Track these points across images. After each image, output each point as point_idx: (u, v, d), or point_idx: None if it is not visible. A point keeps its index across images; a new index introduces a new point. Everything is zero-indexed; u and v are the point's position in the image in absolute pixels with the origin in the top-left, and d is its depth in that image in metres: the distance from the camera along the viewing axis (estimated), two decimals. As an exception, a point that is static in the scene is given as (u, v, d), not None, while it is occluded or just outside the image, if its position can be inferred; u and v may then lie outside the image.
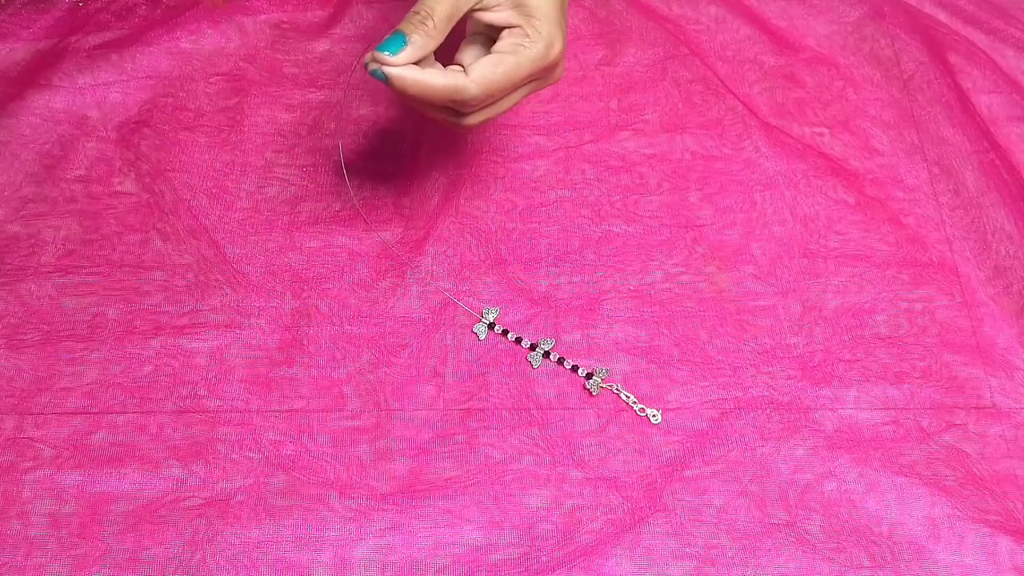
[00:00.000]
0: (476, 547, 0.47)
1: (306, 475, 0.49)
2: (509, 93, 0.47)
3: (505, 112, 0.49)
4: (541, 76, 0.48)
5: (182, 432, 0.50)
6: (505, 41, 0.46)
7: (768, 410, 0.51)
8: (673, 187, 0.58)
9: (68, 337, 0.52)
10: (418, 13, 0.45)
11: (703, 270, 0.55)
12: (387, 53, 0.44)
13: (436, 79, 0.45)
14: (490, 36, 0.48)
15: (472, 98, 0.45)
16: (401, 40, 0.44)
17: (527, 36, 0.46)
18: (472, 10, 0.46)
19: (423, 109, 0.47)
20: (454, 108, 0.47)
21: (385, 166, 0.59)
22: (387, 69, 0.44)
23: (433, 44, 0.45)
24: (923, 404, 0.51)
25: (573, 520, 0.48)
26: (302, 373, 0.52)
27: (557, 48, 0.47)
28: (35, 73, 0.61)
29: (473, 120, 0.48)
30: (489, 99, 0.46)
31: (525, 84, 0.48)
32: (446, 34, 0.46)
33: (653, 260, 0.56)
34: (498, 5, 0.46)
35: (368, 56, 0.44)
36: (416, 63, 0.45)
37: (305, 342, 0.52)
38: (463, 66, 0.46)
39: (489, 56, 0.46)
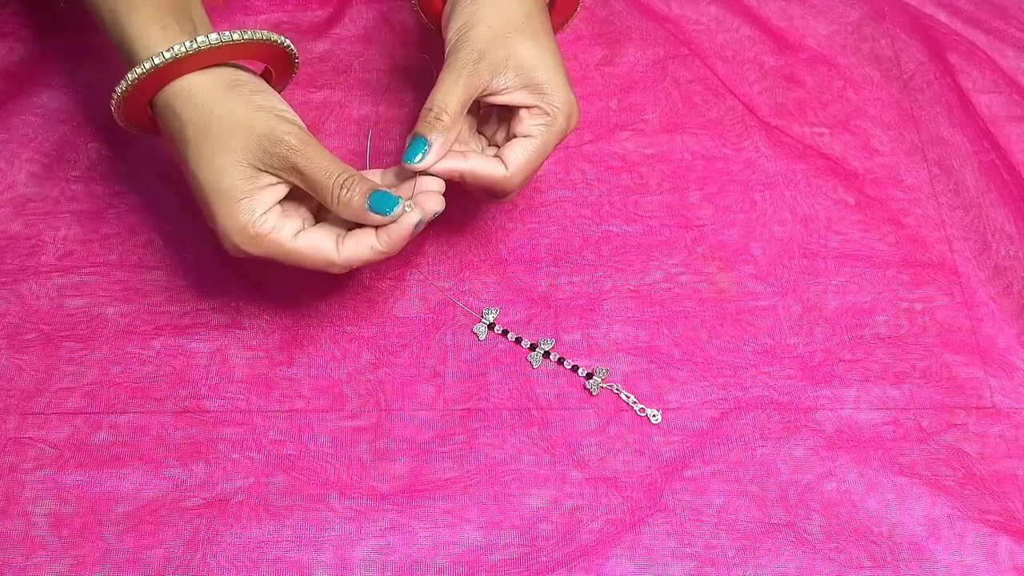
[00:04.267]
0: (476, 547, 0.47)
1: (306, 475, 0.49)
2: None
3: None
4: (565, 137, 0.48)
5: (182, 432, 0.50)
6: (526, 124, 0.46)
7: (768, 410, 0.51)
8: (673, 187, 0.58)
9: (68, 337, 0.52)
10: (431, 110, 0.44)
11: (703, 270, 0.55)
12: (413, 163, 0.44)
13: (480, 169, 0.45)
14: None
15: (514, 188, 0.46)
16: (422, 143, 0.44)
17: (547, 115, 0.46)
18: (482, 96, 0.46)
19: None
20: (493, 193, 0.47)
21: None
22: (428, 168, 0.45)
23: (453, 135, 0.45)
24: (923, 404, 0.51)
25: (573, 520, 0.48)
26: (302, 373, 0.52)
27: (576, 113, 0.47)
28: (35, 73, 0.61)
29: (512, 197, 0.49)
30: (527, 180, 0.47)
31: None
32: (462, 121, 0.46)
33: (653, 260, 0.56)
34: (506, 88, 0.46)
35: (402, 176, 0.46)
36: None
37: (305, 342, 0.52)
38: (498, 151, 0.47)
39: (517, 141, 0.46)
